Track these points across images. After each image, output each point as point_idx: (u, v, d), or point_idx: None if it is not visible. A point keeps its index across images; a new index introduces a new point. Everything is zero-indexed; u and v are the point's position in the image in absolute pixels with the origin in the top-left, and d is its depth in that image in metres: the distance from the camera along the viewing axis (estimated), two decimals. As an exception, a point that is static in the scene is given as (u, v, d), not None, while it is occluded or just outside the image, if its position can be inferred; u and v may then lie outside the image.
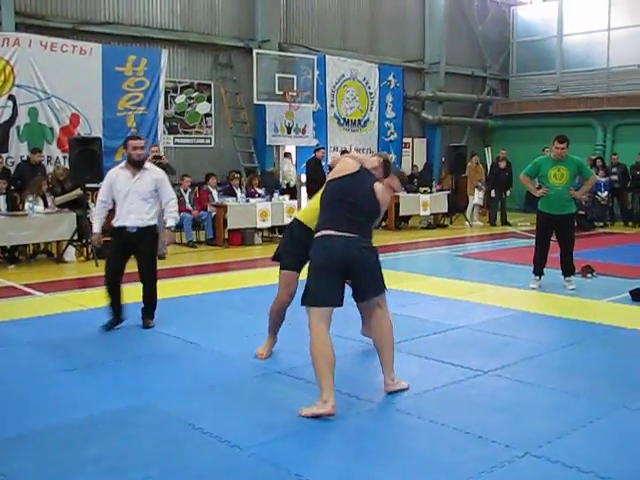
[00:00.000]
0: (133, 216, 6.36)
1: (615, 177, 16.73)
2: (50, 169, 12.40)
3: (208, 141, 15.88)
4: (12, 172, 11.70)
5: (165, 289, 8.38)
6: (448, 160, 17.87)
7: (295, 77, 15.81)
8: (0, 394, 4.81)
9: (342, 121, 17.62)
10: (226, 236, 12.98)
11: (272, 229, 13.94)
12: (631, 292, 7.78)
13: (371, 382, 4.75)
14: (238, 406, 4.54)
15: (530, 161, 8.63)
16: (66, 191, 11.38)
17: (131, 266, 6.54)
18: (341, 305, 4.52)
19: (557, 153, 8.15)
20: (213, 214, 12.95)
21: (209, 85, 15.79)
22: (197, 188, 13.52)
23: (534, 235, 8.76)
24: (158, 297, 6.71)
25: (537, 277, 8.48)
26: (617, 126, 19.14)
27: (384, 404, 4.51)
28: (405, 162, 19.27)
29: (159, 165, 11.30)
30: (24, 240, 10.61)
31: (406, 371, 5.03)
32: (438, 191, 16.55)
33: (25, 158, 11.94)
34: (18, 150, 12.24)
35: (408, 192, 15.35)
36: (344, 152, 15.92)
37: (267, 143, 16.07)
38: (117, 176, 6.46)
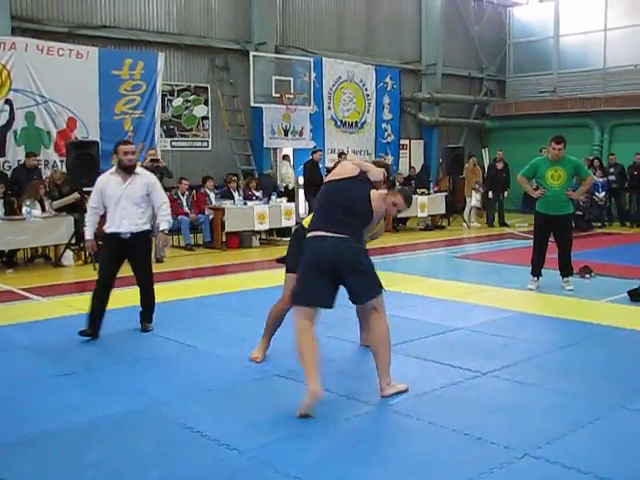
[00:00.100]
0: (126, 222, 6.29)
1: (613, 177, 16.75)
2: (47, 173, 12.42)
3: (205, 144, 15.89)
4: (9, 176, 11.70)
5: (163, 292, 8.38)
6: (445, 161, 17.89)
7: (292, 79, 15.83)
8: (-1, 399, 4.82)
9: (339, 123, 17.64)
10: (224, 239, 12.98)
11: (270, 232, 13.95)
12: (629, 292, 7.79)
13: (370, 384, 4.75)
14: (237, 409, 4.55)
15: (527, 162, 8.63)
16: (64, 195, 11.38)
17: (125, 270, 6.51)
18: (329, 306, 4.57)
19: (554, 154, 8.16)
20: (211, 217, 12.95)
21: (206, 88, 15.81)
22: (195, 191, 13.53)
23: (532, 236, 8.78)
24: (156, 300, 6.71)
25: (535, 278, 8.49)
26: (614, 126, 19.18)
27: (383, 406, 4.51)
28: (402, 164, 19.30)
29: (157, 168, 11.39)
30: (22, 244, 10.61)
31: (405, 373, 5.04)
32: (436, 192, 16.59)
33: (22, 162, 11.95)
34: (15, 154, 12.25)
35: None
36: (341, 154, 15.97)
37: (264, 146, 16.09)
38: (108, 182, 6.37)
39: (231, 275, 10.18)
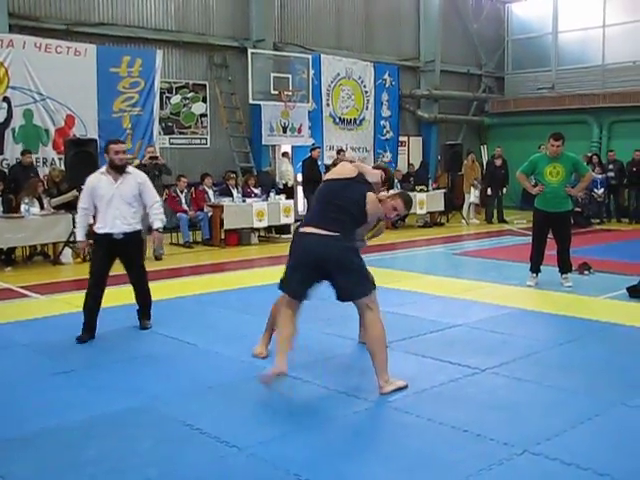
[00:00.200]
0: (119, 222, 6.23)
1: (612, 174, 16.75)
2: (45, 171, 12.41)
3: (204, 141, 15.88)
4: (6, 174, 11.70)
5: (162, 290, 8.39)
6: (444, 158, 17.88)
7: (290, 76, 15.82)
8: (-2, 397, 4.82)
9: (338, 120, 17.63)
10: (222, 236, 12.97)
11: (269, 229, 13.95)
12: (628, 289, 7.79)
13: (369, 381, 4.75)
14: (236, 406, 4.55)
15: (526, 158, 8.63)
16: (62, 193, 11.37)
17: (118, 269, 6.49)
18: (303, 299, 4.78)
19: (552, 150, 8.16)
20: (209, 214, 12.95)
21: (204, 85, 15.79)
22: (193, 188, 13.53)
23: (531, 233, 8.77)
24: (155, 298, 6.71)
25: (534, 274, 8.49)
26: (613, 123, 19.18)
27: (382, 403, 4.51)
28: (401, 160, 19.29)
29: (155, 166, 11.38)
30: (20, 242, 10.61)
31: (404, 370, 5.04)
32: (434, 189, 16.59)
33: (19, 160, 11.95)
34: (13, 152, 12.24)
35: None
36: (340, 151, 15.95)
37: (263, 143, 16.07)
38: (98, 182, 6.27)
39: (230, 272, 10.18)
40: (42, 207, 10.90)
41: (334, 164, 5.16)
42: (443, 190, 16.67)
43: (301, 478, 3.50)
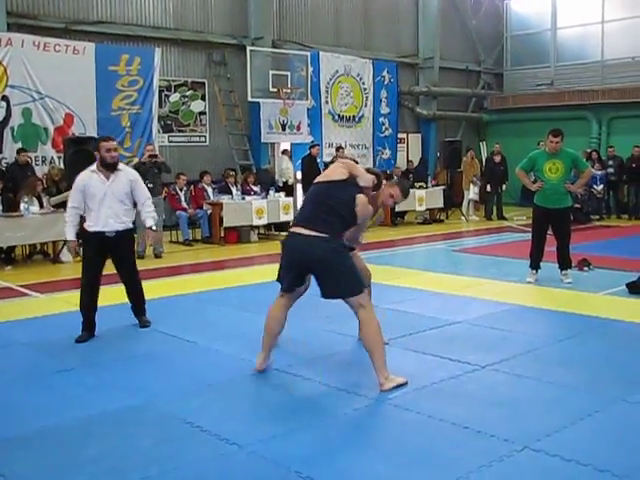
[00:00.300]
0: (112, 220, 6.17)
1: (612, 170, 16.74)
2: (45, 169, 12.40)
3: (203, 139, 15.87)
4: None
5: (162, 288, 8.40)
6: (443, 155, 17.88)
7: (289, 74, 15.80)
8: (-2, 395, 4.82)
9: (337, 117, 17.61)
10: (222, 234, 12.98)
11: (268, 226, 13.95)
12: (628, 285, 7.79)
13: (369, 378, 4.75)
14: (236, 404, 4.55)
15: (525, 155, 8.62)
16: (61, 191, 11.35)
17: (110, 268, 6.47)
18: (290, 290, 4.95)
19: (551, 147, 8.15)
20: (209, 212, 12.95)
21: (203, 83, 15.78)
22: (192, 186, 13.52)
23: (530, 229, 8.77)
24: (155, 296, 6.73)
25: (534, 271, 8.49)
26: (612, 119, 19.17)
27: (382, 400, 4.51)
28: (400, 157, 19.28)
29: (154, 164, 11.38)
30: (20, 241, 10.60)
31: (404, 367, 5.04)
32: (434, 186, 16.57)
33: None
34: (12, 151, 12.20)
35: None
36: (339, 148, 15.94)
37: (262, 140, 16.06)
38: (89, 180, 6.18)
39: (230, 270, 10.18)
40: (42, 206, 10.89)
41: (333, 162, 5.23)
42: (442, 187, 16.67)
43: (302, 475, 3.50)
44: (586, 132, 19.16)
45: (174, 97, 15.30)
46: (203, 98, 15.78)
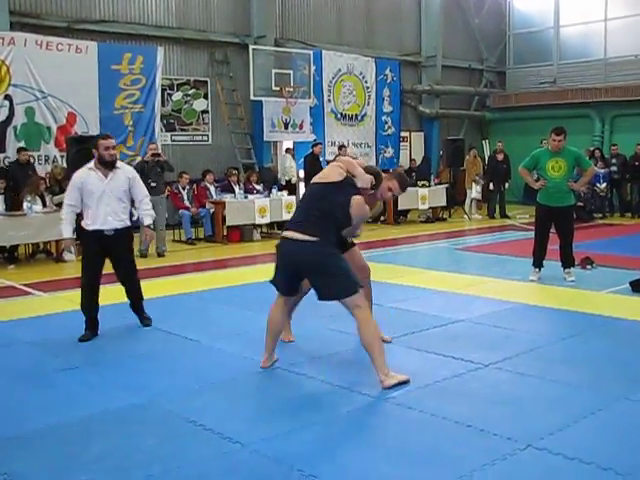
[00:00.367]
0: (111, 218, 6.13)
1: (615, 168, 16.70)
2: (47, 168, 12.42)
3: (205, 138, 15.88)
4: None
5: (165, 287, 8.41)
6: (446, 153, 17.89)
7: (292, 72, 15.82)
8: (1, 393, 4.82)
9: (339, 116, 17.62)
10: (225, 233, 12.98)
11: (271, 225, 13.95)
12: (631, 283, 7.78)
13: (372, 376, 4.75)
14: (239, 403, 4.55)
15: (528, 153, 8.62)
16: (64, 190, 11.23)
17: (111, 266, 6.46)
18: (288, 295, 5.06)
19: (554, 145, 8.14)
20: (211, 211, 12.95)
21: (205, 82, 15.79)
22: (195, 185, 13.52)
23: (533, 227, 8.76)
24: (157, 295, 6.74)
25: (537, 269, 8.48)
26: (615, 117, 19.15)
27: (385, 398, 4.51)
28: (403, 156, 19.28)
29: (157, 163, 11.39)
30: (23, 240, 10.61)
31: (406, 365, 5.04)
32: (436, 185, 16.56)
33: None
34: (15, 150, 12.23)
35: (406, 186, 15.31)
36: (341, 147, 15.94)
37: (264, 139, 16.08)
38: (87, 177, 6.15)
39: (232, 269, 10.19)
40: (44, 205, 10.91)
41: (334, 161, 5.26)
42: (445, 185, 16.66)
43: (304, 474, 3.50)
44: (589, 130, 19.13)
45: (177, 96, 15.32)
46: (206, 97, 15.79)
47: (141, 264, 9.51)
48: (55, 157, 12.79)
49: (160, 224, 11.37)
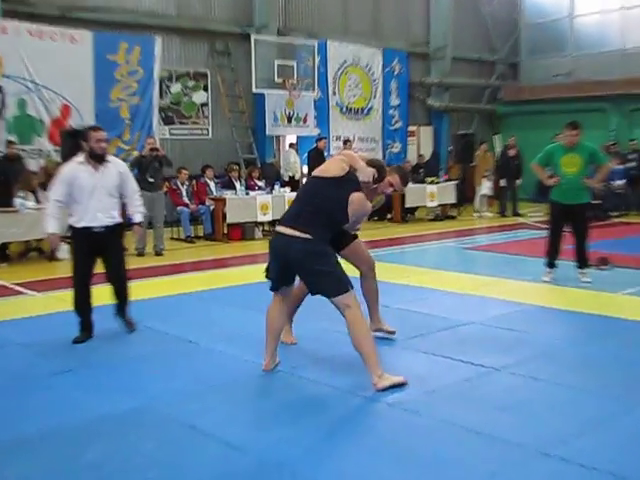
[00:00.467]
0: (101, 215, 6.06)
1: (633, 164, 16.64)
2: (41, 162, 12.43)
3: (205, 132, 15.90)
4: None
5: (162, 286, 8.43)
6: (456, 149, 17.88)
7: (295, 64, 15.83)
8: (-7, 397, 4.85)
9: (344, 109, 17.63)
10: (225, 231, 13.00)
11: (273, 223, 13.94)
12: (648, 284, 7.78)
13: (378, 381, 4.77)
14: (240, 407, 4.57)
15: (541, 149, 8.62)
16: (58, 186, 11.36)
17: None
18: (280, 289, 5.07)
19: (569, 140, 8.14)
20: (211, 208, 12.97)
21: (205, 73, 15.81)
22: (194, 181, 13.54)
23: (546, 226, 8.77)
24: (156, 295, 6.75)
25: (550, 270, 8.48)
26: (633, 110, 19.09)
27: (392, 404, 4.52)
28: (411, 151, 19.29)
29: (155, 157, 11.40)
30: (15, 237, 10.64)
31: (414, 369, 5.05)
32: (445, 181, 16.55)
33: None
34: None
35: (414, 182, 15.34)
36: (347, 142, 15.94)
37: (267, 133, 16.09)
38: (77, 172, 6.03)
39: (233, 268, 10.20)
40: (38, 201, 10.92)
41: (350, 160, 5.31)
42: (454, 182, 16.64)
43: (308, 481, 3.52)
44: (605, 125, 19.09)
45: (175, 88, 15.34)
46: (205, 89, 15.81)
47: (138, 263, 9.58)
48: (49, 151, 12.82)
49: (158, 221, 11.39)
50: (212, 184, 13.36)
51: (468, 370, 5.16)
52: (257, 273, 8.96)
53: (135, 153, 13.01)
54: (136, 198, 6.40)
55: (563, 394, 4.71)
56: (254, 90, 15.50)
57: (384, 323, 5.99)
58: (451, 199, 16.27)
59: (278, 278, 5.01)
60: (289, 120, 16.26)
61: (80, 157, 6.13)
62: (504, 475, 3.55)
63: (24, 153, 12.48)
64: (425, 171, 16.62)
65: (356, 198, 4.81)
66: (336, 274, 4.76)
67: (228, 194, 12.96)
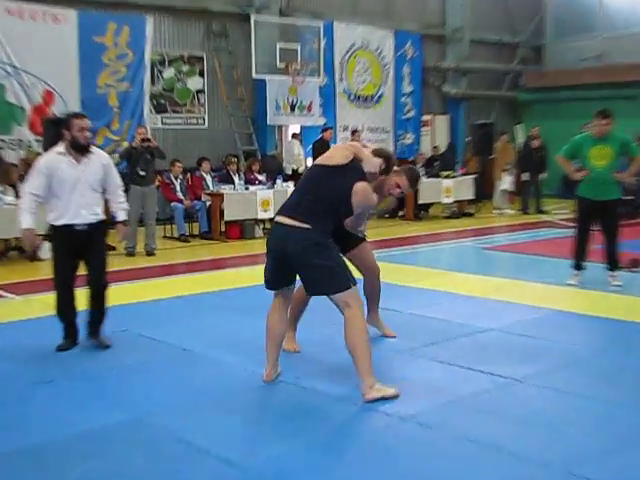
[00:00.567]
0: (85, 211, 5.98)
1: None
2: (21, 154, 12.45)
3: (201, 121, 15.91)
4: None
5: (154, 289, 8.43)
6: (473, 140, 17.84)
7: (299, 47, 15.83)
8: (-31, 410, 4.85)
9: (353, 97, 17.63)
10: (223, 229, 13.01)
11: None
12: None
13: (389, 392, 4.77)
14: (237, 420, 4.57)
15: (567, 139, 8.61)
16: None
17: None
18: (276, 288, 5.06)
19: (599, 130, 8.12)
20: (208, 204, 12.98)
21: (201, 57, 15.82)
22: (189, 175, 13.55)
23: (573, 224, 8.75)
24: (147, 298, 6.75)
25: (577, 272, 8.47)
26: (669, 98, 19.07)
27: (404, 417, 4.51)
28: (425, 142, 19.28)
29: (147, 149, 11.39)
30: (-8, 235, 10.65)
31: (429, 379, 5.05)
32: (462, 175, 16.53)
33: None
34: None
35: (428, 177, 15.34)
36: (355, 132, 15.94)
37: (268, 123, 16.10)
38: (57, 163, 5.91)
39: (231, 269, 10.22)
40: (17, 196, 10.93)
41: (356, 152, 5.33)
42: (472, 176, 16.62)
43: (312, 502, 3.51)
44: (639, 113, 19.04)
45: (168, 73, 15.34)
46: (201, 74, 15.82)
47: (128, 264, 9.61)
48: (30, 142, 12.83)
49: (150, 218, 11.40)
50: (208, 178, 13.37)
51: (487, 381, 5.16)
52: (257, 275, 8.93)
53: (125, 144, 13.03)
54: (119, 194, 6.31)
55: (590, 408, 4.70)
56: (254, 76, 15.51)
57: (382, 324, 6.10)
58: (468, 195, 16.25)
59: (274, 275, 5.00)
60: (292, 108, 16.27)
61: (60, 147, 6.02)
62: (527, 496, 3.55)
63: (3, 143, 12.54)
64: (440, 164, 16.61)
65: (360, 188, 4.82)
66: (337, 269, 4.77)
67: (226, 189, 12.96)
